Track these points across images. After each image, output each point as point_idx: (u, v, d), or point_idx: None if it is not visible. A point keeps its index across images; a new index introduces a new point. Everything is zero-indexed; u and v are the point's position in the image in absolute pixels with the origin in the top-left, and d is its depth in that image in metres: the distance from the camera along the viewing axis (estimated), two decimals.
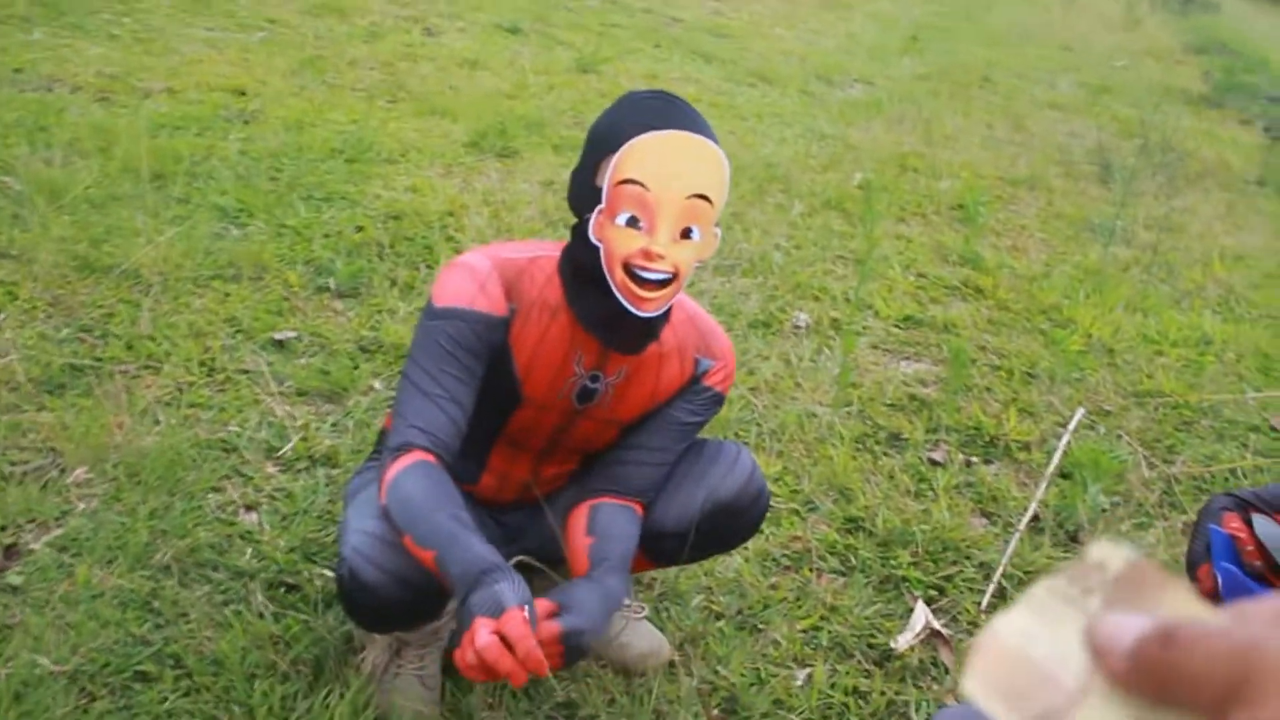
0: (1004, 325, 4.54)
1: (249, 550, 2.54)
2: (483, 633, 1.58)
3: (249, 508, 2.70)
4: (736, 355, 3.77)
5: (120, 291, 3.55)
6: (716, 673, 2.43)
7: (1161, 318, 4.90)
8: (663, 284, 1.83)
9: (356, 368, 3.36)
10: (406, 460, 1.81)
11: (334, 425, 3.07)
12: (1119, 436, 3.80)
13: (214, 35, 6.80)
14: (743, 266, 4.57)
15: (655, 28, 9.49)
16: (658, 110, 1.81)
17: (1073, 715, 0.49)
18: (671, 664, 2.42)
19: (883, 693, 2.46)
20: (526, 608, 1.62)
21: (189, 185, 4.40)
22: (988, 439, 3.63)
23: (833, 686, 2.46)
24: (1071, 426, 3.75)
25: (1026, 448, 3.63)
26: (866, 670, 2.53)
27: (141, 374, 3.16)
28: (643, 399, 2.08)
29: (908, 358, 4.13)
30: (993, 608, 2.83)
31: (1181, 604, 0.52)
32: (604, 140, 1.83)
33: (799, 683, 2.46)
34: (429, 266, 4.05)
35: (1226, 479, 3.65)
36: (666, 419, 2.11)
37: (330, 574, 2.48)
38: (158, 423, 2.94)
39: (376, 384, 3.31)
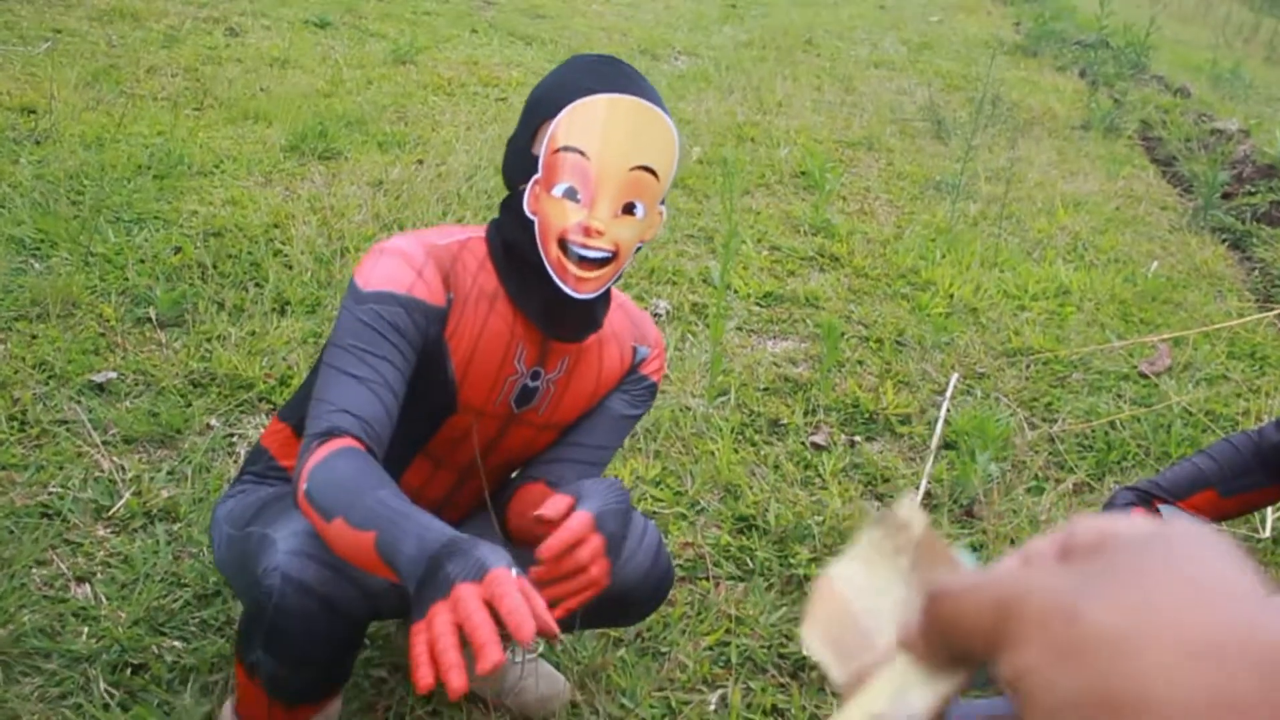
0: (865, 293, 4.41)
1: (85, 630, 2.22)
2: (469, 601, 1.29)
3: (81, 580, 2.38)
4: None
5: None
6: (623, 707, 2.22)
7: (1018, 271, 4.84)
8: (601, 263, 1.66)
9: (189, 405, 3.04)
10: (334, 445, 1.55)
11: (170, 473, 2.76)
12: (997, 399, 3.70)
13: None
14: None
15: (470, 12, 9.19)
16: (603, 73, 1.66)
17: (879, 675, 0.51)
18: (574, 704, 2.20)
19: (803, 708, 2.28)
20: (515, 570, 1.34)
21: None
22: (867, 415, 3.49)
23: (749, 707, 2.27)
24: (948, 394, 3.64)
25: (907, 420, 3.50)
26: (782, 684, 2.35)
27: None
28: (584, 397, 1.89)
29: (774, 336, 3.97)
30: None
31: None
32: (543, 104, 1.68)
33: (712, 707, 2.26)
34: (258, 285, 3.73)
35: (1106, 432, 3.57)
36: (605, 413, 1.93)
37: (181, 645, 2.20)
38: None
39: (213, 421, 3.00)
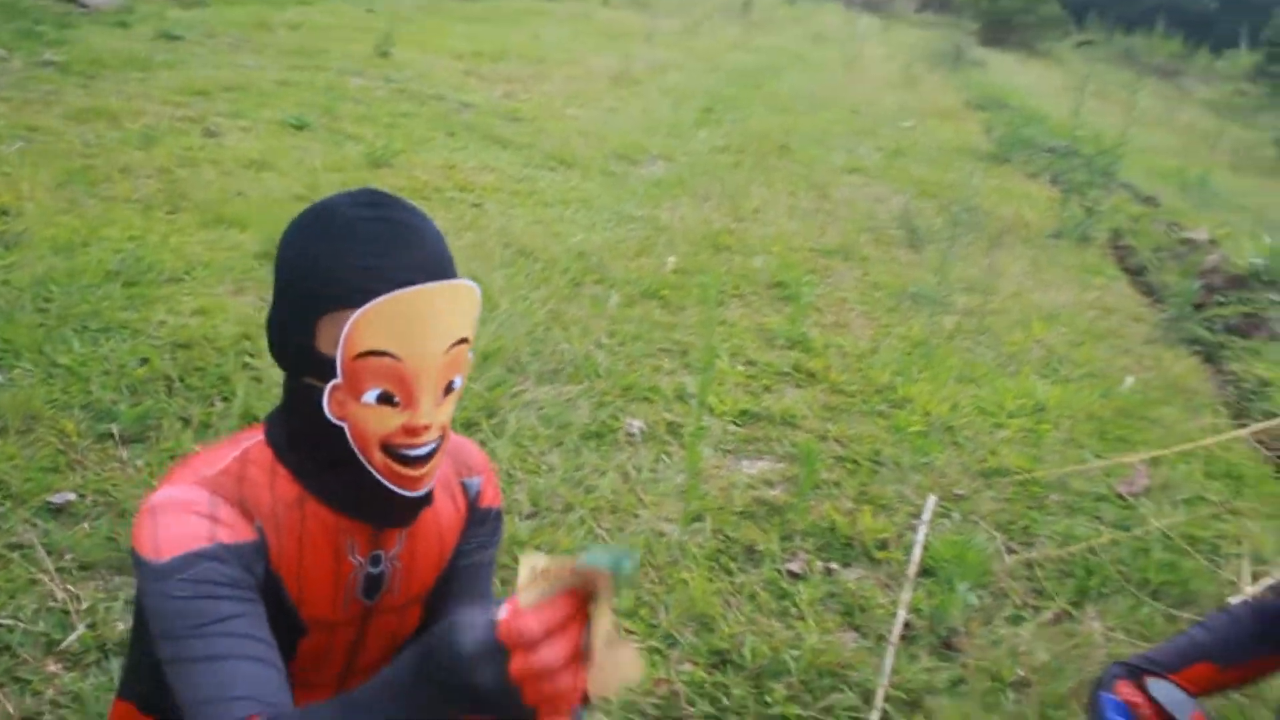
0: (841, 410, 4.38)
1: None
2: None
3: None
4: (570, 471, 3.53)
5: None
6: None
7: (994, 386, 4.82)
8: (432, 455, 1.49)
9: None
10: None
11: (128, 603, 2.66)
12: (975, 523, 3.66)
13: None
14: (568, 371, 4.31)
15: (446, 115, 9.23)
16: (380, 241, 1.43)
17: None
18: None
19: None
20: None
21: None
22: (844, 541, 3.44)
23: None
24: (925, 518, 3.60)
25: (884, 545, 3.45)
26: None
27: None
28: (433, 558, 1.69)
29: (750, 456, 3.93)
30: None
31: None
32: (318, 291, 1.43)
33: None
34: (225, 400, 3.67)
35: (1086, 557, 3.53)
36: (467, 570, 1.74)
37: None
38: None
39: None
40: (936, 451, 4.10)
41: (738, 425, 4.13)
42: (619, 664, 1.15)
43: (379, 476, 1.46)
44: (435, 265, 1.44)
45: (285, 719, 1.34)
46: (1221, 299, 6.96)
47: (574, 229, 6.37)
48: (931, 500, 3.71)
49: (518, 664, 1.14)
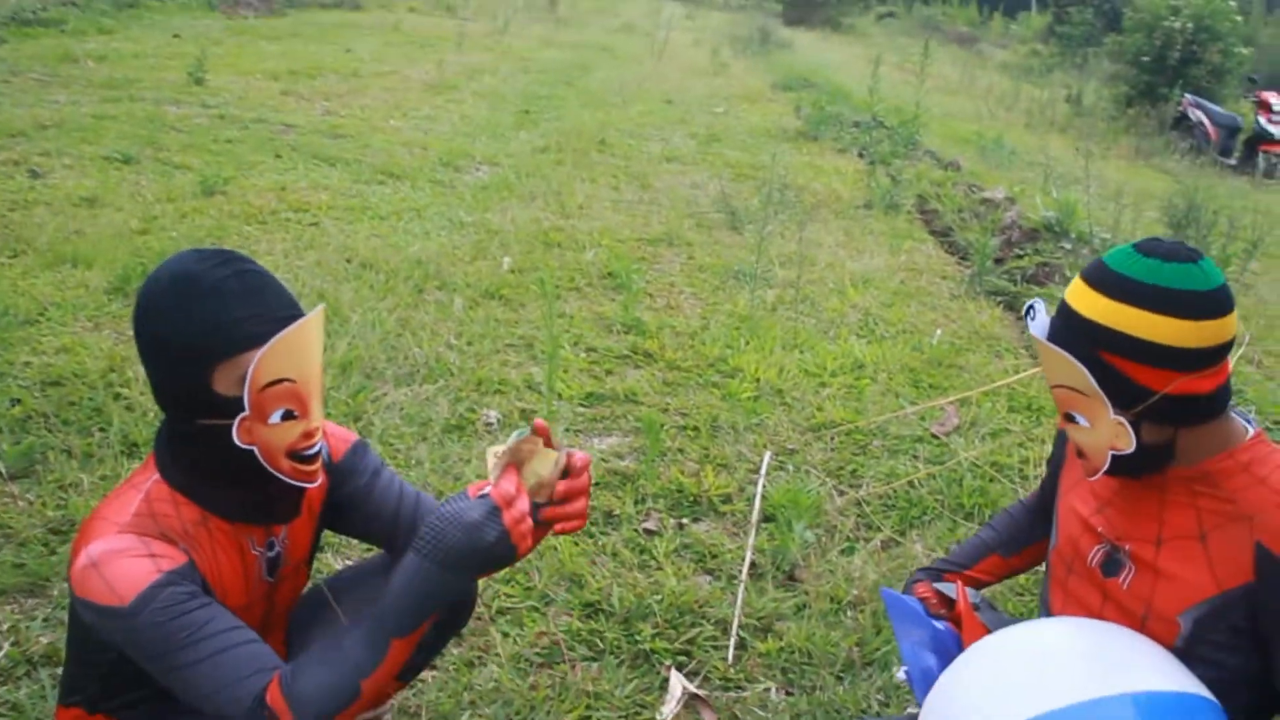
0: (679, 385, 4.76)
1: None
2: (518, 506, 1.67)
3: None
4: (437, 463, 3.82)
5: None
6: None
7: (816, 350, 5.24)
8: (320, 449, 1.87)
9: (54, 553, 3.18)
10: (274, 692, 1.69)
11: (45, 620, 2.90)
12: (807, 472, 4.06)
13: None
14: (422, 373, 4.60)
15: (271, 137, 9.35)
16: (249, 293, 1.77)
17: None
18: None
19: None
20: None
21: None
22: (692, 499, 3.80)
23: None
24: (763, 472, 3.97)
25: (729, 499, 3.82)
26: None
27: None
28: (307, 527, 2.08)
29: (599, 434, 4.27)
30: (739, 659, 2.98)
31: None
32: (205, 349, 1.74)
33: None
34: (102, 430, 3.87)
35: (907, 491, 3.95)
36: (379, 497, 2.15)
37: None
38: None
39: None
40: (768, 413, 4.50)
41: (585, 407, 4.47)
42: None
43: (287, 479, 1.83)
44: (293, 302, 1.81)
45: (302, 665, 1.71)
46: (1019, 252, 7.54)
47: (410, 239, 6.63)
48: (767, 456, 4.09)
49: (508, 517, 1.64)
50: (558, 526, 1.79)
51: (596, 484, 3.83)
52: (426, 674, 2.78)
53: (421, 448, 3.95)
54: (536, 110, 11.95)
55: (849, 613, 3.24)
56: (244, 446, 1.77)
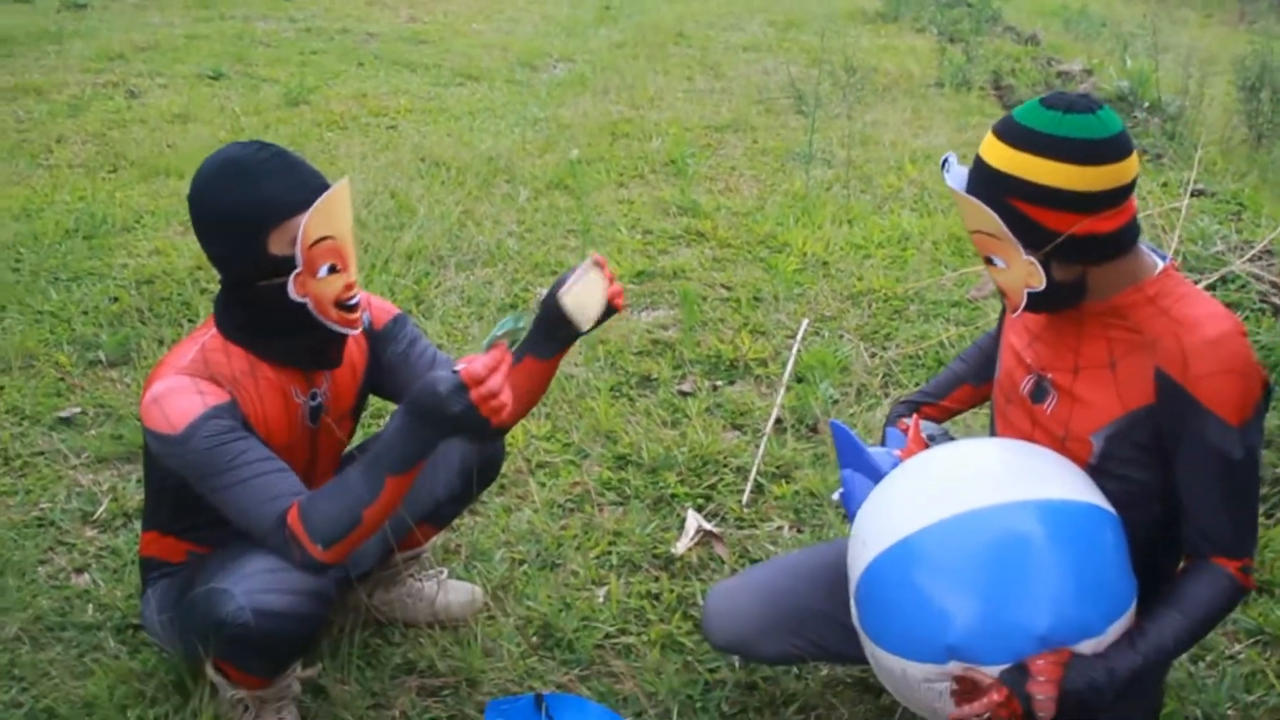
0: (727, 261, 5.00)
1: (90, 607, 2.77)
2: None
3: (79, 571, 2.92)
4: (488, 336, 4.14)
5: None
6: (528, 608, 2.78)
7: (866, 225, 5.43)
8: (360, 302, 2.22)
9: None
10: (294, 517, 2.04)
11: (138, 481, 3.29)
12: (841, 336, 4.29)
13: None
14: (482, 259, 4.91)
15: (354, 47, 9.68)
16: (287, 170, 2.11)
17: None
18: (488, 611, 2.76)
19: (672, 590, 2.86)
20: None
21: None
22: (728, 363, 4.06)
23: (629, 595, 2.84)
24: (799, 337, 4.21)
25: (764, 363, 4.07)
26: (655, 576, 2.92)
27: None
28: (349, 383, 2.42)
29: (645, 308, 4.54)
30: (754, 502, 3.26)
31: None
32: (260, 216, 2.08)
33: (600, 600, 2.83)
34: (190, 321, 4.26)
35: (936, 352, 4.16)
36: (409, 361, 2.45)
37: None
38: None
39: None
40: (810, 284, 4.72)
41: (635, 284, 4.74)
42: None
43: (335, 325, 2.19)
44: (321, 176, 2.18)
45: (317, 495, 2.08)
46: None
47: (483, 136, 6.92)
48: (805, 323, 4.33)
49: (475, 393, 1.91)
50: (614, 301, 2.21)
51: (638, 352, 4.11)
52: (468, 518, 3.11)
53: (476, 325, 4.26)
54: (617, 6, 12.10)
55: None
56: (298, 299, 2.13)
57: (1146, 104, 7.81)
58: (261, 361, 2.21)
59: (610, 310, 2.22)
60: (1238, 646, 2.68)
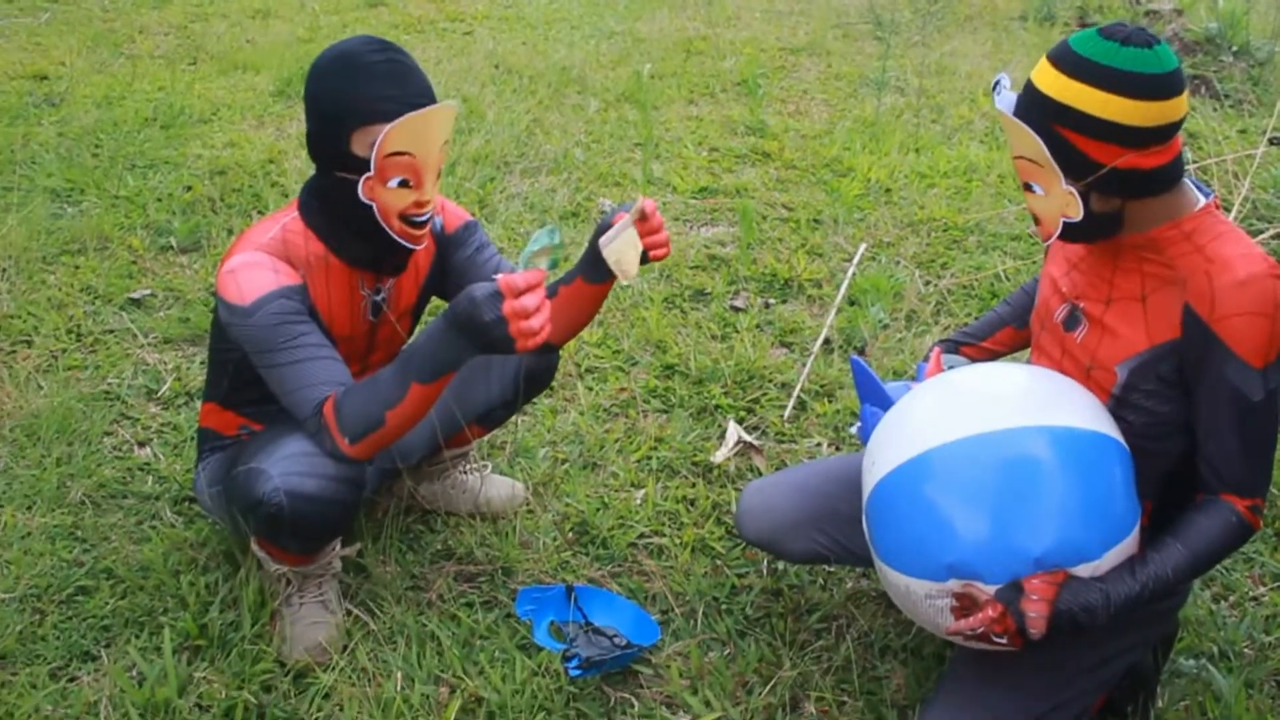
0: (790, 182, 5.02)
1: (150, 478, 2.91)
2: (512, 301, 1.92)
3: (141, 444, 3.07)
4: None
5: None
6: (567, 505, 2.88)
7: (933, 154, 5.42)
8: (429, 219, 2.25)
9: (214, 310, 3.70)
10: (329, 408, 2.12)
11: (203, 362, 3.42)
12: (897, 263, 4.32)
13: None
14: (548, 167, 4.97)
15: None
16: (393, 76, 2.13)
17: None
18: (528, 506, 2.86)
19: (708, 497, 2.94)
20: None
21: (15, 174, 4.64)
22: (783, 282, 4.11)
23: (665, 499, 2.93)
24: (856, 260, 4.25)
25: (818, 284, 4.12)
26: (692, 483, 3.01)
27: (16, 349, 3.47)
28: (412, 284, 2.49)
29: (705, 224, 4.59)
30: (795, 418, 3.32)
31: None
32: (349, 112, 2.12)
33: (637, 501, 2.92)
34: (260, 212, 4.37)
35: (991, 284, 4.18)
36: (472, 265, 2.51)
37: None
38: (41, 388, 3.27)
39: None
40: (871, 209, 4.75)
41: (697, 200, 4.78)
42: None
43: (397, 238, 2.24)
44: (429, 93, 2.21)
45: (353, 388, 2.16)
46: None
47: (557, 47, 6.95)
48: (862, 247, 4.36)
49: (508, 305, 1.93)
50: (652, 254, 2.20)
51: (694, 267, 4.17)
52: (518, 419, 3.21)
53: (536, 230, 4.33)
54: None
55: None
56: (365, 201, 2.19)
57: (1234, 48, 7.65)
58: (334, 254, 2.29)
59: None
60: (1261, 589, 2.72)
